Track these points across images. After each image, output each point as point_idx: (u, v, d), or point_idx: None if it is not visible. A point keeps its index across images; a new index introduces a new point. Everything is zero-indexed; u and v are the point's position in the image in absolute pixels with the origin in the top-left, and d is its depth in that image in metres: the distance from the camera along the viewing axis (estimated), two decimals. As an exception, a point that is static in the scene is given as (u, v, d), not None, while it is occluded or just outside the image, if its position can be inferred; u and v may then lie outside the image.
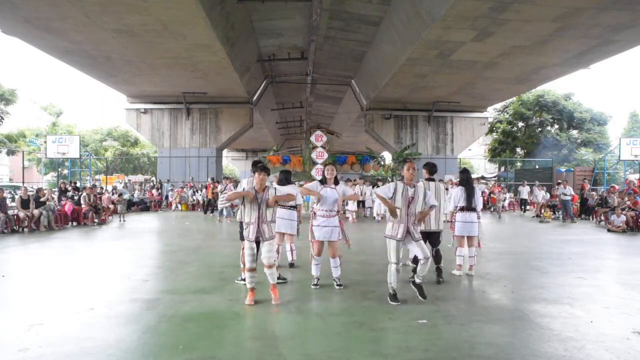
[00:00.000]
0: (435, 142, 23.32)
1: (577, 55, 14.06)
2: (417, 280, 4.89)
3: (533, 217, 16.78)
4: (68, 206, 13.07)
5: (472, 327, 4.07)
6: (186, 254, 8.03)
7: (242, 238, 5.46)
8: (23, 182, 19.03)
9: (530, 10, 10.69)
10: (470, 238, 6.32)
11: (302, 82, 22.98)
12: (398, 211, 4.78)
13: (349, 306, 4.74)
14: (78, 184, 18.74)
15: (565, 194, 14.94)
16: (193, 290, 5.33)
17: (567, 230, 12.63)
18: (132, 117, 22.22)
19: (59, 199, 13.92)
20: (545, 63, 15.07)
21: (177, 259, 7.55)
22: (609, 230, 12.07)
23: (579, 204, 16.59)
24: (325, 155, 17.60)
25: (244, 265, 4.92)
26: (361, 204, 16.04)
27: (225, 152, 31.23)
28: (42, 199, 11.90)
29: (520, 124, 31.32)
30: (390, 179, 17.20)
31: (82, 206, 13.25)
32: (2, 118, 25.33)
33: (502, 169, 33.35)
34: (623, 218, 12.02)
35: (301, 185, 8.58)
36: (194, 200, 19.85)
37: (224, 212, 14.32)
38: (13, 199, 14.51)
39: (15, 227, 11.27)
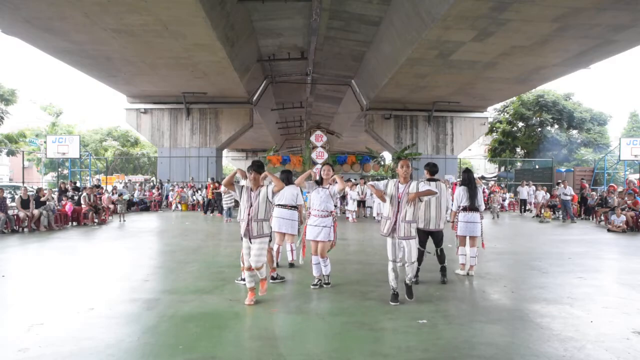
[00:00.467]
0: (435, 142, 23.32)
1: (577, 55, 14.06)
2: (407, 281, 4.89)
3: (533, 217, 16.78)
4: (68, 206, 13.07)
5: (472, 327, 4.07)
6: (186, 254, 8.03)
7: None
8: (23, 182, 19.04)
9: (530, 10, 10.68)
10: (472, 238, 6.33)
11: (302, 82, 22.98)
12: (386, 209, 4.81)
13: (349, 306, 4.74)
14: (78, 184, 18.74)
15: (565, 194, 14.95)
16: (193, 290, 5.33)
17: (567, 230, 12.63)
18: (132, 117, 22.22)
19: (59, 199, 13.92)
20: (545, 63, 15.06)
21: (177, 259, 7.55)
22: (609, 230, 12.08)
23: (578, 204, 16.59)
24: (325, 155, 17.61)
25: (244, 265, 4.93)
26: (361, 204, 16.04)
27: (225, 152, 31.25)
28: (42, 199, 11.89)
29: (520, 124, 31.32)
30: (390, 179, 17.19)
31: (82, 206, 13.25)
32: (2, 118, 25.32)
33: (502, 169, 33.37)
34: (623, 218, 12.03)
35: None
36: (194, 200, 19.85)
37: (228, 213, 14.26)
38: (13, 199, 14.51)
39: (15, 227, 11.27)
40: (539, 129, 30.43)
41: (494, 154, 32.43)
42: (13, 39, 14.04)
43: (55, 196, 14.22)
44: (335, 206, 5.92)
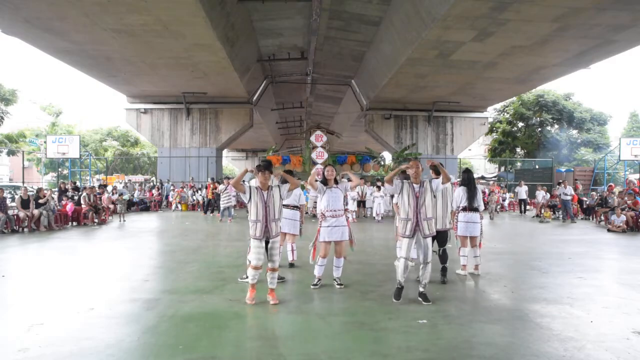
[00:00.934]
0: (435, 142, 23.31)
1: (577, 55, 14.06)
2: (420, 289, 4.88)
3: (533, 217, 16.77)
4: (68, 206, 13.06)
5: (472, 327, 4.07)
6: (186, 254, 8.03)
7: None
8: (23, 182, 19.06)
9: (530, 10, 10.69)
10: (472, 238, 6.34)
11: (302, 82, 22.98)
12: (404, 211, 4.82)
13: (349, 306, 4.74)
14: (78, 184, 18.74)
15: (565, 194, 14.94)
16: (193, 290, 5.33)
17: (567, 230, 12.63)
18: (132, 117, 22.22)
19: (59, 199, 13.91)
20: (545, 63, 15.06)
21: (177, 259, 7.55)
22: (609, 230, 12.07)
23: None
24: (325, 155, 17.61)
25: (256, 264, 4.87)
26: (361, 204, 16.04)
27: (225, 152, 31.23)
28: (41, 201, 11.87)
29: (520, 124, 31.32)
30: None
31: (82, 206, 13.24)
32: (2, 118, 25.32)
33: (502, 169, 33.37)
34: (623, 218, 12.02)
35: (303, 187, 8.57)
36: (194, 200, 19.85)
37: (227, 213, 14.28)
38: (13, 199, 14.50)
39: (15, 227, 11.26)
40: (539, 129, 30.43)
41: (494, 154, 32.43)
42: (13, 39, 14.05)
43: (55, 196, 14.22)
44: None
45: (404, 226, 4.84)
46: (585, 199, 16.74)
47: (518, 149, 31.94)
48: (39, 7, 11.29)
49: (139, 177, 31.73)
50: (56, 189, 17.54)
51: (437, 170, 5.89)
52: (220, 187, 14.84)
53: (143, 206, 19.18)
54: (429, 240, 4.88)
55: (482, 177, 30.21)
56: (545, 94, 29.68)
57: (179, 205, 19.44)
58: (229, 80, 17.98)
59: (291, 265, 6.76)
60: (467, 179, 6.46)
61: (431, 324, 4.15)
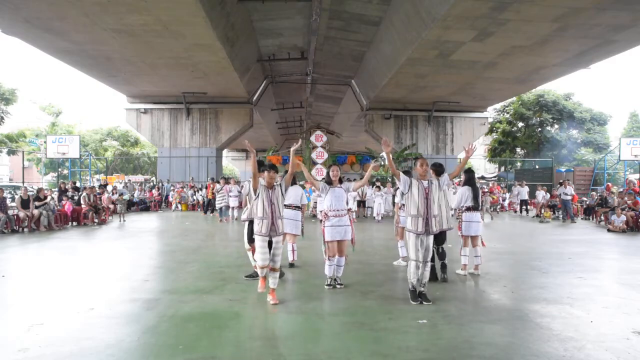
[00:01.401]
0: (435, 142, 23.32)
1: (577, 55, 14.06)
2: (421, 289, 4.88)
3: (533, 217, 16.77)
4: (68, 206, 13.06)
5: (472, 327, 4.07)
6: (186, 254, 8.03)
7: (250, 240, 5.51)
8: (23, 182, 19.03)
9: (530, 10, 10.69)
10: (474, 238, 6.35)
11: (302, 82, 22.98)
12: (414, 207, 4.83)
13: (349, 306, 4.74)
14: (78, 184, 18.74)
15: (565, 194, 14.94)
16: (193, 290, 5.33)
17: (567, 230, 12.63)
18: (132, 117, 22.22)
19: (59, 199, 13.91)
20: (545, 63, 15.07)
21: (177, 259, 7.55)
22: (609, 230, 12.07)
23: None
24: (325, 155, 17.60)
25: (263, 264, 4.85)
26: (361, 204, 16.04)
27: (225, 152, 31.25)
28: (41, 202, 11.87)
29: (520, 124, 31.32)
30: (390, 179, 17.19)
31: (82, 206, 13.24)
32: (2, 118, 25.32)
33: (502, 169, 33.36)
34: (623, 218, 12.02)
35: (303, 187, 8.58)
36: (194, 200, 19.85)
37: (225, 212, 14.31)
38: (13, 199, 14.50)
39: (15, 227, 11.26)
40: (539, 129, 30.42)
41: (494, 154, 32.43)
42: (13, 39, 14.04)
43: (55, 196, 14.23)
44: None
45: (415, 223, 4.81)
46: (585, 198, 16.75)
47: (518, 149, 31.93)
48: (39, 7, 11.29)
49: (139, 177, 31.70)
50: (56, 189, 17.53)
51: (437, 171, 5.89)
52: (217, 186, 14.87)
53: (143, 206, 19.18)
54: (431, 239, 4.90)
55: (482, 177, 30.18)
56: (546, 94, 29.67)
57: (179, 205, 19.44)
58: (229, 80, 17.98)
59: (291, 265, 6.76)
60: (470, 179, 6.47)
61: (431, 324, 4.14)
